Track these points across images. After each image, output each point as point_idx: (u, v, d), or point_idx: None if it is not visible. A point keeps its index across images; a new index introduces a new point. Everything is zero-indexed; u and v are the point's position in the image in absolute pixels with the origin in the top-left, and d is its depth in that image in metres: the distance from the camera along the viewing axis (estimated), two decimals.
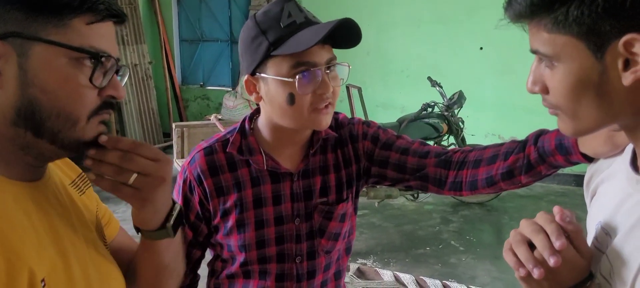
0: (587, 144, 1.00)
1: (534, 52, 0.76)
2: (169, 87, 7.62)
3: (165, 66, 7.58)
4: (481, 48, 5.81)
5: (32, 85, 0.77)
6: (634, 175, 0.79)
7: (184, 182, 1.26)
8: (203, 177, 1.24)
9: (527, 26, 0.76)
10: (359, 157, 1.33)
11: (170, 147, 6.77)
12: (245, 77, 1.20)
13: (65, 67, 0.78)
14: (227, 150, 1.24)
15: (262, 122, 1.26)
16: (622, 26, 0.66)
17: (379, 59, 6.32)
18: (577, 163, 1.06)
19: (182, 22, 7.81)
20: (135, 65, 6.98)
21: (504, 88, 5.74)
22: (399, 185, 1.34)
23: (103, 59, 0.81)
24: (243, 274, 1.30)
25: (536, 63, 0.77)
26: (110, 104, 0.86)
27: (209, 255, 1.37)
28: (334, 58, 1.17)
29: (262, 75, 1.16)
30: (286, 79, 1.13)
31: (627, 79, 0.68)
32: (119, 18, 0.86)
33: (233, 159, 1.25)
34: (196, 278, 1.36)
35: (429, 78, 5.06)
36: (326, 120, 1.18)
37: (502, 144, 1.22)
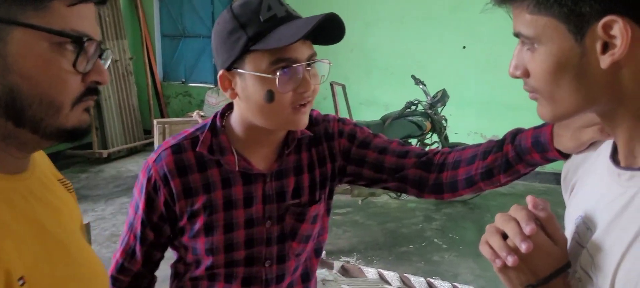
0: (559, 140, 1.01)
1: (516, 34, 0.76)
2: (150, 83, 7.53)
3: (146, 62, 7.48)
4: (464, 47, 5.82)
5: (11, 72, 0.73)
6: (614, 168, 0.79)
7: (148, 180, 1.19)
8: (170, 177, 1.17)
9: (511, 10, 0.76)
10: (334, 155, 1.29)
11: (151, 144, 6.72)
12: (220, 72, 1.14)
13: (46, 52, 0.74)
14: (197, 149, 1.17)
15: (235, 120, 1.20)
16: (601, 8, 0.67)
17: (363, 56, 6.31)
18: (553, 159, 1.06)
19: (164, 17, 7.71)
20: (116, 60, 6.87)
21: (487, 86, 5.76)
22: (376, 185, 1.30)
23: (86, 43, 0.77)
24: (208, 277, 1.25)
25: (519, 47, 0.77)
26: (94, 90, 0.81)
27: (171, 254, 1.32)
28: (314, 54, 1.13)
29: (239, 70, 1.11)
30: (266, 75, 1.08)
31: (605, 61, 0.68)
32: None
33: (203, 159, 1.18)
34: (154, 279, 1.32)
35: (413, 76, 5.06)
36: (304, 120, 1.14)
37: (480, 144, 1.20)
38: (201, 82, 7.56)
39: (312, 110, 1.29)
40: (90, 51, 0.79)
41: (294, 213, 1.25)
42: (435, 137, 5.06)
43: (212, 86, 7.20)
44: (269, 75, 1.08)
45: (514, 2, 0.74)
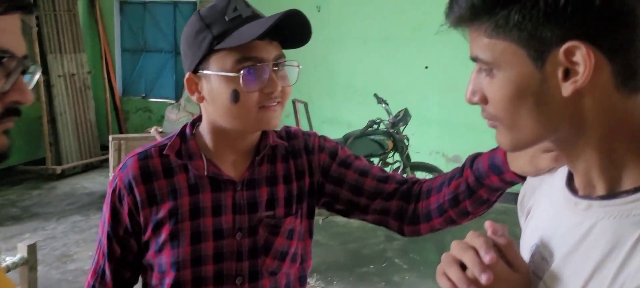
0: (514, 163, 0.98)
1: (473, 59, 0.72)
2: (108, 98, 7.34)
3: (106, 76, 7.30)
4: (426, 67, 5.85)
5: None
6: (571, 197, 0.75)
7: (113, 191, 1.15)
8: (134, 184, 1.13)
9: (468, 33, 0.72)
10: (313, 170, 1.24)
11: (108, 160, 6.52)
12: (187, 75, 1.12)
13: None
14: (164, 152, 1.14)
15: (203, 126, 1.17)
16: (563, 33, 0.63)
17: (326, 74, 6.28)
18: (512, 182, 1.03)
19: (125, 31, 7.56)
20: (73, 74, 6.67)
21: (449, 106, 5.80)
22: (353, 213, 1.25)
23: (4, 60, 0.69)
24: None
25: (476, 72, 0.73)
26: (14, 110, 0.73)
27: None
28: (282, 56, 1.11)
29: (205, 72, 1.09)
30: (230, 74, 1.06)
31: (567, 89, 0.65)
32: (26, 9, 0.73)
33: (170, 164, 1.15)
34: None
35: (376, 95, 5.06)
36: (274, 119, 1.11)
37: (452, 171, 1.17)
38: (162, 98, 7.42)
39: (289, 127, 1.26)
40: (9, 68, 0.70)
41: (267, 225, 1.18)
42: (397, 156, 5.05)
43: (173, 102, 7.07)
44: (234, 74, 1.05)
45: (471, 25, 0.70)
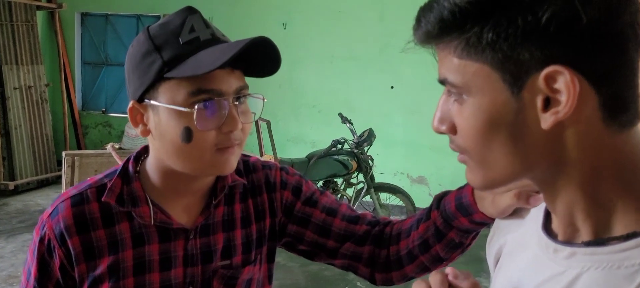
0: (480, 202, 0.90)
1: (441, 82, 0.62)
2: (67, 112, 7.11)
3: (64, 89, 7.08)
4: (392, 87, 5.84)
5: None
6: (549, 242, 0.65)
7: (41, 240, 0.97)
8: (67, 235, 0.95)
9: (437, 52, 0.62)
10: (275, 209, 1.10)
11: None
12: (131, 103, 0.95)
13: None
14: (103, 199, 0.97)
15: (150, 164, 1.00)
16: (544, 56, 0.54)
17: (291, 93, 6.22)
18: (483, 223, 0.93)
19: (85, 43, 7.36)
20: (30, 86, 6.45)
21: (414, 127, 5.79)
22: (318, 256, 1.11)
23: None
24: None
25: (444, 97, 0.64)
26: None
27: None
28: (245, 87, 0.94)
29: (152, 102, 0.91)
30: (182, 109, 0.88)
31: (547, 121, 0.55)
32: None
33: (110, 211, 0.98)
34: None
35: (340, 114, 5.01)
36: (231, 163, 0.95)
37: (418, 212, 1.07)
38: (123, 113, 7.22)
39: (247, 155, 1.11)
40: None
41: (223, 277, 1.03)
42: (361, 177, 5.00)
43: None
44: (186, 109, 0.88)
45: (439, 42, 0.60)
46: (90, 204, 0.97)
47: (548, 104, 0.55)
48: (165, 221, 0.98)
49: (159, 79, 0.89)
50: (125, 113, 7.14)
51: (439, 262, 1.03)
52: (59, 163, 6.82)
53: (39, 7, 6.68)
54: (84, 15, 7.28)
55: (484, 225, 0.95)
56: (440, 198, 1.01)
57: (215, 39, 0.92)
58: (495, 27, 0.54)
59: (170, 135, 0.91)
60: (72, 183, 4.04)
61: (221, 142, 0.91)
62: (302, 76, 6.20)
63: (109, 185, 0.98)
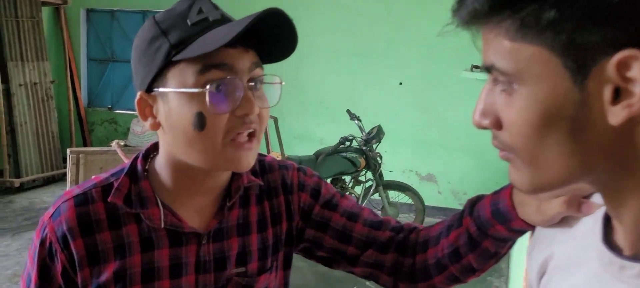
0: (522, 209, 0.81)
1: (487, 68, 0.54)
2: (72, 109, 7.07)
3: (70, 86, 7.03)
4: (401, 83, 5.76)
5: None
6: (613, 257, 0.56)
7: (42, 243, 0.90)
8: (70, 237, 0.88)
9: (481, 34, 0.54)
10: (291, 213, 1.03)
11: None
12: (138, 94, 0.88)
13: None
14: (109, 199, 0.90)
15: (160, 162, 0.93)
16: (615, 38, 0.46)
17: (297, 89, 6.14)
18: (522, 231, 0.85)
19: (91, 40, 7.31)
20: (35, 83, 6.40)
21: (423, 123, 5.71)
22: (337, 263, 1.04)
23: None
24: None
25: (489, 86, 0.56)
26: None
27: None
28: (260, 66, 0.87)
29: (161, 90, 0.84)
30: (193, 90, 0.82)
31: (618, 116, 0.47)
32: None
33: (116, 212, 0.91)
34: None
35: (348, 111, 4.94)
36: (248, 159, 0.87)
37: (451, 217, 0.99)
38: (128, 109, 7.17)
39: (263, 155, 1.03)
40: None
41: (237, 285, 0.97)
42: (369, 175, 4.93)
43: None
44: (197, 90, 0.82)
45: (487, 22, 0.52)
46: (95, 204, 0.91)
47: (618, 95, 0.47)
48: (176, 224, 0.92)
49: (167, 63, 0.83)
50: (131, 110, 7.10)
51: (471, 272, 0.96)
52: (65, 160, 6.79)
53: (44, 3, 6.63)
54: (89, 11, 7.23)
55: (523, 233, 0.87)
56: (473, 204, 0.93)
57: (225, 19, 0.86)
58: (558, 3, 0.47)
59: (181, 124, 0.84)
60: (77, 181, 3.99)
61: (235, 128, 0.84)
62: (309, 72, 6.12)
63: (115, 185, 0.91)
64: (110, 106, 7.33)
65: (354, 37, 5.88)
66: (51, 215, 0.91)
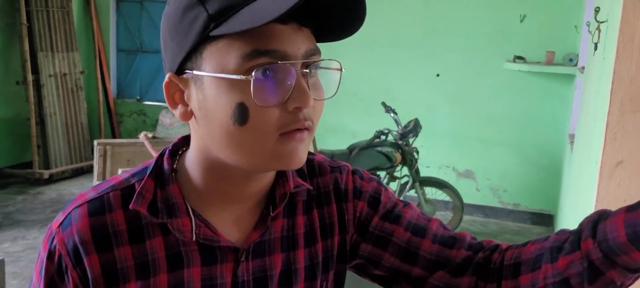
0: None
1: None
2: (102, 100, 7.02)
3: (99, 77, 6.98)
4: (438, 74, 5.52)
5: None
6: None
7: (50, 256, 0.74)
8: (83, 252, 0.72)
9: None
10: (345, 224, 0.87)
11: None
12: (167, 77, 0.72)
13: None
14: (131, 207, 0.74)
15: (191, 159, 0.77)
16: None
17: None
18: None
19: (121, 30, 7.24)
20: (65, 74, 6.35)
21: (460, 117, 5.47)
22: (399, 285, 0.85)
23: None
24: None
25: None
26: None
27: None
28: (317, 52, 0.72)
29: (195, 72, 0.69)
30: (234, 77, 0.66)
31: None
32: None
33: (139, 222, 0.75)
34: None
35: (383, 103, 4.73)
36: (300, 154, 0.71)
37: (547, 238, 0.77)
38: (157, 101, 7.09)
39: (311, 153, 0.86)
40: None
41: None
42: (405, 170, 4.73)
43: (167, 105, 6.74)
44: (240, 77, 0.66)
45: None
46: (113, 213, 0.75)
47: None
48: (210, 237, 0.76)
49: (204, 39, 0.67)
50: (160, 101, 7.01)
51: None
52: (93, 152, 6.76)
53: None
54: (119, 1, 7.16)
55: None
56: (595, 222, 0.71)
57: None
58: None
59: (218, 115, 0.68)
60: (103, 174, 3.89)
61: (286, 124, 0.69)
62: (342, 63, 5.92)
63: (138, 188, 0.75)
64: (139, 97, 7.26)
65: (389, 27, 5.65)
66: (60, 223, 0.75)
